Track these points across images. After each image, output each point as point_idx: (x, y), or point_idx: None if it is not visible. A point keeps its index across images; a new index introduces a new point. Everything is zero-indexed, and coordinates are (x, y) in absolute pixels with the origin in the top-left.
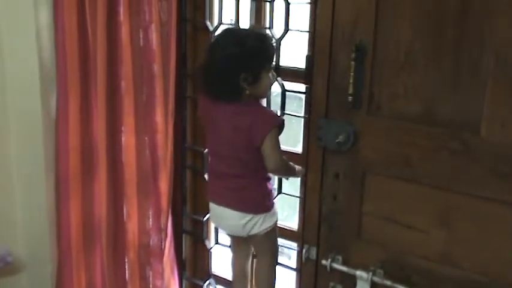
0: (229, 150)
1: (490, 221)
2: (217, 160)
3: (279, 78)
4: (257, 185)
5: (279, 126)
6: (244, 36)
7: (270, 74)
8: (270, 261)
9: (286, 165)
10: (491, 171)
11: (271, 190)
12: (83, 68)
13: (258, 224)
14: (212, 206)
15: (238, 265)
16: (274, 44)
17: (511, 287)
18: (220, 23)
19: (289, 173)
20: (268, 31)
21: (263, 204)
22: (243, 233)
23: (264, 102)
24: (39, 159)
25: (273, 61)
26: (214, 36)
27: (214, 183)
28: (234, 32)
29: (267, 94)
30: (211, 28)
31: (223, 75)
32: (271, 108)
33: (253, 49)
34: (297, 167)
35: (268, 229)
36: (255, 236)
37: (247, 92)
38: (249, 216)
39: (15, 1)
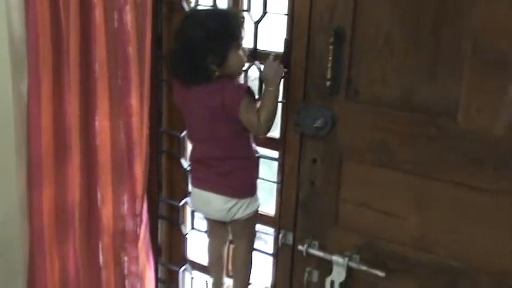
0: (209, 132)
1: (465, 207)
2: (199, 145)
3: (256, 62)
4: (244, 168)
5: (248, 92)
6: (205, 18)
7: (240, 51)
8: (247, 247)
9: (268, 119)
10: (467, 157)
11: (257, 174)
12: (56, 50)
13: (242, 209)
14: (196, 191)
15: (215, 250)
16: (242, 21)
17: (485, 273)
18: (197, 4)
19: (274, 108)
20: (245, 13)
21: (250, 188)
22: (227, 218)
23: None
24: (10, 144)
25: (240, 38)
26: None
27: (198, 169)
28: (195, 15)
29: (240, 72)
30: (187, 9)
31: (190, 60)
32: None
33: (215, 30)
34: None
35: (251, 214)
36: (237, 220)
37: (217, 73)
38: (234, 201)
39: None
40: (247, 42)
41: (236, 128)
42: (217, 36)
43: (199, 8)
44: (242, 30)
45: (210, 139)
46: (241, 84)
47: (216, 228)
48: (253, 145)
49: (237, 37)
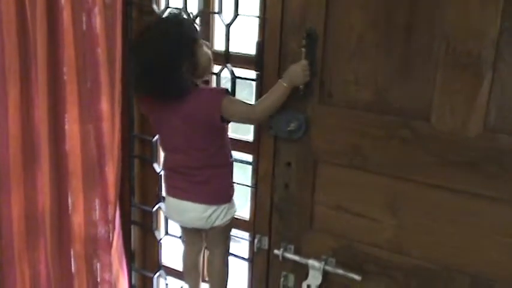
0: (186, 142)
1: (439, 209)
2: (174, 155)
3: (228, 65)
4: (220, 175)
5: (226, 93)
6: (165, 28)
7: (204, 47)
8: (223, 253)
9: (266, 108)
10: (440, 159)
11: (233, 179)
12: (23, 53)
13: (221, 215)
14: (172, 200)
15: (190, 258)
16: (190, 18)
17: (460, 274)
18: (167, 6)
19: (277, 102)
20: (216, 16)
21: (226, 194)
22: (207, 225)
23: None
24: None
25: (196, 34)
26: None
27: (173, 178)
28: (152, 28)
29: (211, 65)
30: (158, 12)
31: (166, 74)
32: None
33: (181, 36)
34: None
35: (229, 220)
36: (215, 227)
37: (194, 80)
38: (212, 208)
39: None
40: (219, 45)
41: (214, 137)
42: (184, 41)
43: (169, 10)
44: (196, 26)
45: (186, 149)
46: (216, 90)
47: (192, 236)
48: (230, 151)
49: (196, 35)
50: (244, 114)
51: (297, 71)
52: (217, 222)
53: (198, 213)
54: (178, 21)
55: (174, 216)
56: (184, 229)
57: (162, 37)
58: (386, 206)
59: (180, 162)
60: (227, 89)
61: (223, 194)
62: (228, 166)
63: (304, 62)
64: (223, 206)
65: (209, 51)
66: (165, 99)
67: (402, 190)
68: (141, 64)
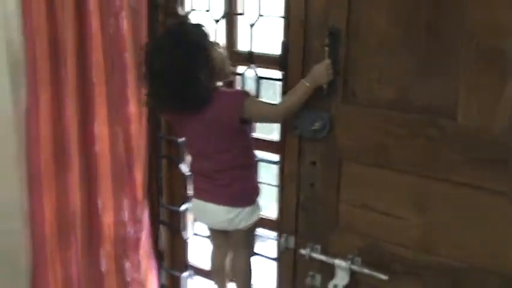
0: (208, 146)
1: (466, 207)
2: (198, 159)
3: (252, 65)
4: (244, 177)
5: (246, 94)
6: (176, 39)
7: (216, 48)
8: (247, 254)
9: (289, 107)
10: (467, 157)
11: (257, 180)
12: (53, 57)
13: (246, 218)
14: (197, 202)
15: (218, 259)
16: (199, 21)
17: (488, 272)
18: (192, 9)
19: (300, 101)
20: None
21: (250, 197)
22: (231, 227)
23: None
24: (10, 152)
25: (207, 38)
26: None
27: (199, 180)
28: (162, 41)
29: (228, 67)
30: (183, 14)
31: (186, 85)
32: None
33: (193, 44)
34: (305, 85)
35: (254, 223)
36: (240, 229)
37: (212, 86)
38: (237, 210)
39: None
40: (243, 46)
41: (235, 139)
42: (196, 49)
43: (194, 12)
44: (206, 30)
45: (209, 152)
46: (236, 92)
47: (218, 237)
48: (253, 152)
49: (207, 39)
50: (267, 114)
51: (321, 71)
52: (242, 225)
53: (222, 215)
54: (185, 30)
55: (200, 218)
56: (211, 230)
57: (173, 50)
58: (412, 204)
59: (203, 166)
60: (246, 91)
61: (247, 197)
62: (251, 167)
63: (327, 61)
64: (247, 209)
65: (222, 51)
66: (189, 110)
67: (428, 188)
68: (155, 80)
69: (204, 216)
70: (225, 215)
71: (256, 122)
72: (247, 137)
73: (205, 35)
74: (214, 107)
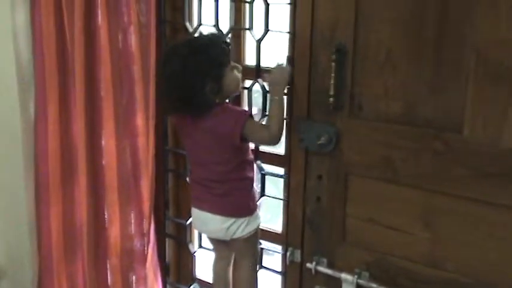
0: (207, 156)
1: (473, 221)
2: (197, 167)
3: (259, 80)
4: (240, 188)
5: (249, 116)
6: (193, 47)
7: (234, 70)
8: (250, 265)
9: (279, 128)
10: (474, 171)
11: (255, 193)
12: (61, 71)
13: (241, 228)
14: (194, 211)
15: (219, 269)
16: (226, 40)
17: None
18: (199, 24)
19: (283, 115)
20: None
21: (246, 207)
22: (226, 237)
23: (245, 103)
24: (18, 164)
25: (229, 57)
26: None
27: (197, 189)
28: (180, 46)
29: (239, 89)
30: (191, 29)
31: (188, 93)
32: (254, 109)
33: (208, 58)
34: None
35: (252, 232)
36: (237, 239)
37: (217, 100)
38: (231, 220)
39: None
40: (250, 60)
41: (233, 153)
42: (209, 63)
43: (202, 27)
44: (229, 49)
45: (207, 163)
46: (241, 111)
47: (219, 247)
48: (252, 166)
49: (226, 58)
50: (263, 137)
51: (277, 78)
52: (238, 234)
53: (217, 224)
54: (208, 42)
55: (198, 226)
56: (212, 240)
57: (188, 56)
58: (419, 219)
59: (202, 175)
60: (248, 112)
61: (243, 207)
62: (247, 180)
63: (278, 63)
64: (243, 219)
65: (239, 75)
66: (188, 114)
67: (435, 203)
68: (166, 80)
69: (201, 225)
70: (220, 224)
71: (253, 143)
72: (244, 152)
73: (224, 54)
74: (216, 119)
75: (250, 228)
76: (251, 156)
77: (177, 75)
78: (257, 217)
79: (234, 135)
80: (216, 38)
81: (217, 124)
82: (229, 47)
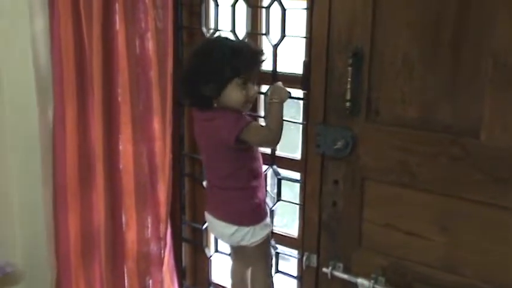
0: (210, 160)
1: (491, 227)
2: (206, 171)
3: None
4: (244, 197)
5: (245, 122)
6: (213, 47)
7: (242, 88)
8: (264, 271)
9: (277, 128)
10: (492, 176)
11: (260, 202)
12: (80, 77)
13: (247, 237)
14: (206, 214)
15: (236, 274)
16: (256, 57)
17: None
18: (216, 29)
19: (281, 116)
20: (264, 37)
21: (250, 217)
22: (233, 243)
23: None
24: (36, 169)
25: (246, 74)
26: None
27: (208, 193)
28: (208, 42)
29: (240, 106)
30: (207, 35)
31: (189, 84)
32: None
33: (215, 63)
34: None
35: (259, 242)
36: (246, 246)
37: (215, 104)
38: (234, 228)
39: (11, 11)
40: (266, 66)
41: (231, 158)
42: (215, 69)
43: (219, 33)
44: (251, 67)
45: (211, 167)
46: (238, 118)
47: (234, 252)
48: (254, 176)
49: (240, 73)
50: (263, 137)
51: (281, 89)
52: (244, 242)
53: (221, 229)
54: (232, 50)
55: (209, 229)
56: (229, 244)
57: (202, 54)
58: (436, 223)
59: (209, 179)
60: (246, 118)
61: (243, 216)
62: (247, 189)
63: (278, 83)
64: (247, 228)
65: (241, 95)
66: (191, 106)
67: (453, 208)
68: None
69: (211, 229)
70: (223, 230)
71: (254, 145)
72: (244, 161)
73: (239, 67)
74: (216, 122)
75: (257, 237)
76: (255, 165)
77: (186, 63)
78: (265, 227)
79: (230, 138)
80: (246, 49)
81: (217, 127)
82: (256, 62)
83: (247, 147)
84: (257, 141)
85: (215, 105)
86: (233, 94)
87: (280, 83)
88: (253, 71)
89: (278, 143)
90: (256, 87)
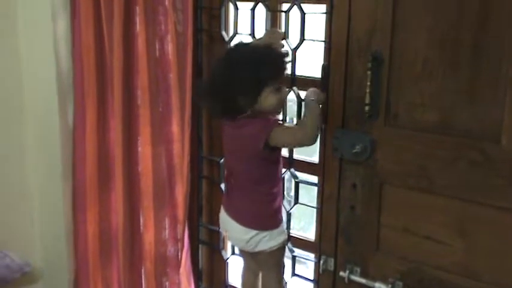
0: (235, 164)
1: (509, 231)
2: (228, 173)
3: (294, 88)
4: (263, 201)
5: (276, 124)
6: (244, 57)
7: (276, 93)
8: (275, 277)
9: (314, 126)
10: (511, 181)
11: (279, 207)
12: (100, 78)
13: (264, 240)
14: (223, 214)
15: (247, 279)
16: (284, 60)
17: None
18: (235, 33)
19: (318, 115)
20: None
21: (268, 221)
22: (248, 248)
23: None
24: (56, 169)
25: (278, 79)
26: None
27: (226, 194)
28: (236, 51)
29: (276, 110)
30: (227, 38)
31: (224, 97)
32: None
33: (250, 73)
34: (315, 105)
35: (274, 248)
36: (261, 252)
37: (249, 111)
38: (253, 232)
39: (34, 13)
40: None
41: (258, 165)
42: (251, 79)
43: (238, 36)
44: (282, 71)
45: (235, 171)
46: (265, 124)
47: (246, 257)
48: (277, 183)
49: (273, 79)
50: (298, 138)
51: (317, 91)
52: (259, 248)
53: (239, 233)
54: (262, 56)
55: (222, 227)
56: (239, 250)
57: (235, 64)
58: (454, 228)
59: (231, 181)
60: (277, 120)
61: (265, 221)
62: (270, 195)
63: (313, 88)
64: (266, 232)
65: (279, 99)
66: (222, 117)
67: (471, 213)
68: (210, 76)
69: (224, 230)
70: (241, 235)
71: (289, 147)
72: (271, 165)
73: (268, 73)
74: (244, 129)
75: (274, 243)
76: (279, 171)
77: (217, 75)
78: (281, 232)
79: (259, 141)
80: (275, 55)
81: (245, 132)
82: (285, 65)
83: (276, 152)
84: (292, 141)
85: (249, 112)
86: (268, 100)
87: (315, 88)
88: (284, 75)
89: (315, 142)
90: (286, 89)
